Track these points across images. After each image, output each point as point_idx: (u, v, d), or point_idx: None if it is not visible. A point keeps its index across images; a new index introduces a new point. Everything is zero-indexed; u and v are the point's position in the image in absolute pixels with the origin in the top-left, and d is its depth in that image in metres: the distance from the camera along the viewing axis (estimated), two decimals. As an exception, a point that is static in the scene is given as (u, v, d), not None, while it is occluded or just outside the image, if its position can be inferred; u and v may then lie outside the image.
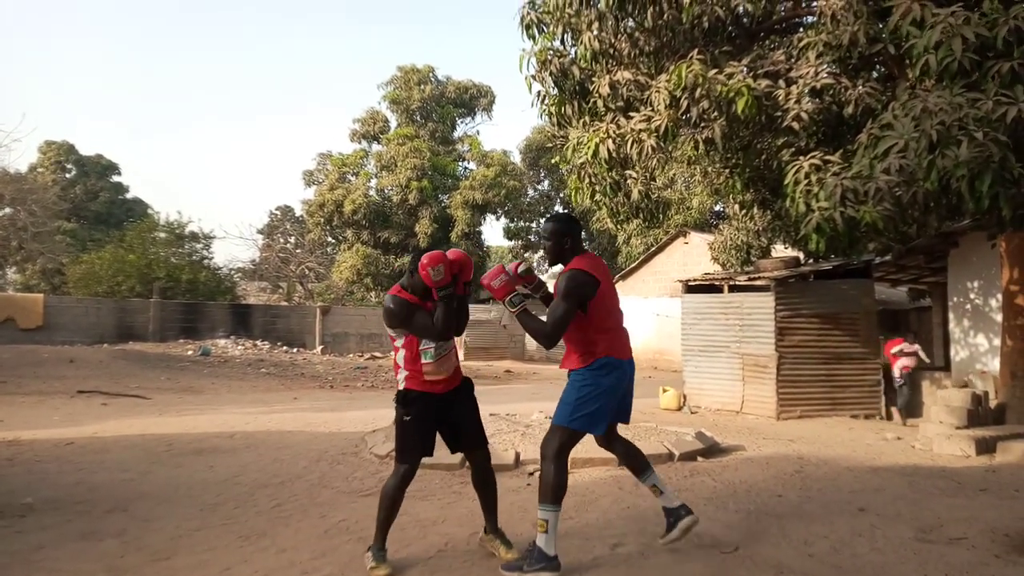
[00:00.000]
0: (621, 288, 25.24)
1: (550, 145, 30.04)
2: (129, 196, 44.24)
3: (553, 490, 3.47)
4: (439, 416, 3.77)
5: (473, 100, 37.18)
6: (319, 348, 26.87)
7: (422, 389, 3.71)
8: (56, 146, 41.06)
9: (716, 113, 7.77)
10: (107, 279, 27.11)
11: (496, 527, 3.86)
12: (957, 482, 5.75)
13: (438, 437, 3.85)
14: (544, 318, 3.64)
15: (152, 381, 15.71)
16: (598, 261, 3.73)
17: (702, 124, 8.18)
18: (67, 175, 41.33)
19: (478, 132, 39.06)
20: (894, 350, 10.63)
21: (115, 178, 43.59)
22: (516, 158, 38.10)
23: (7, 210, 27.33)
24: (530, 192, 38.88)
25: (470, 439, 3.89)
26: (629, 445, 3.93)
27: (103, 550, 3.94)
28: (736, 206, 14.48)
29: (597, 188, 9.35)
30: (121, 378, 15.73)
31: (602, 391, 3.56)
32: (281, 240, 43.20)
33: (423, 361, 3.68)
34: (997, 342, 9.21)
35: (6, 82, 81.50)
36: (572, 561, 3.68)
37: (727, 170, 10.61)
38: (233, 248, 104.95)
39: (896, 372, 10.48)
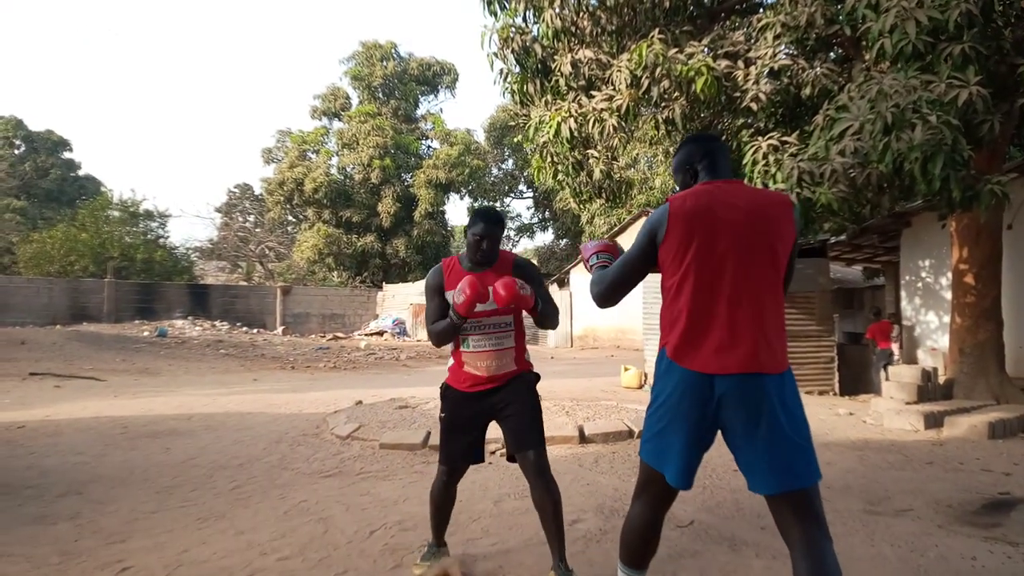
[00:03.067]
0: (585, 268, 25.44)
1: (513, 124, 29.98)
2: (81, 173, 43.07)
3: (621, 538, 2.46)
4: (481, 415, 3.20)
5: (436, 77, 36.89)
6: (280, 329, 26.61)
7: (457, 385, 3.20)
8: (3, 121, 39.73)
9: (676, 93, 7.81)
10: (59, 258, 26.47)
11: (559, 561, 3.03)
12: (905, 456, 5.93)
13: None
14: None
15: (107, 363, 15.40)
16: (710, 194, 2.25)
17: (663, 104, 8.22)
18: (15, 151, 40.06)
19: (441, 110, 39.00)
20: (894, 333, 11.02)
21: (66, 154, 42.36)
22: (480, 137, 37.95)
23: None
24: (494, 171, 38.78)
25: (514, 439, 3.13)
26: (818, 562, 2.04)
27: (56, 534, 3.87)
28: (697, 186, 14.59)
29: (559, 168, 9.36)
30: (75, 360, 15.39)
31: (663, 404, 2.27)
32: (240, 219, 42.49)
33: (461, 348, 3.17)
34: (947, 319, 9.48)
35: (-52, 53, 78.25)
36: (531, 536, 3.72)
37: (688, 150, 10.69)
38: (190, 227, 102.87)
39: (896, 351, 10.98)
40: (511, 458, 3.20)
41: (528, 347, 3.36)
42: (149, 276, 27.60)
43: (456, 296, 2.96)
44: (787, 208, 2.27)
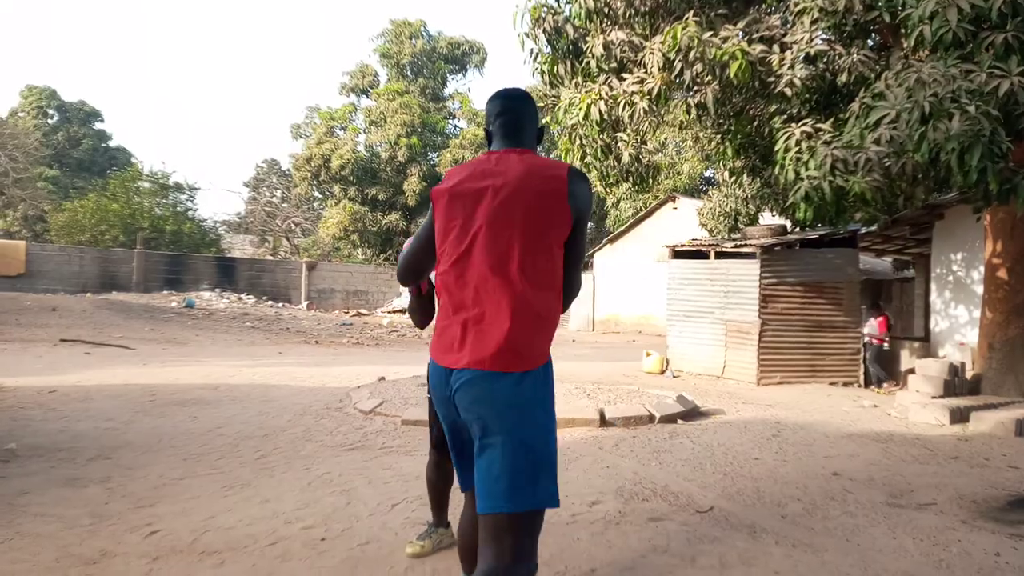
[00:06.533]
0: (609, 252, 25.28)
1: (542, 105, 29.68)
2: (112, 144, 43.57)
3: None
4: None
5: (465, 57, 36.69)
6: (304, 303, 26.86)
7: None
8: (38, 91, 40.26)
9: (709, 77, 7.71)
10: (90, 228, 26.87)
11: None
12: (929, 450, 5.87)
13: None
14: None
15: (136, 331, 15.67)
16: (479, 169, 2.00)
17: (695, 88, 8.12)
18: (49, 121, 40.60)
19: (469, 90, 38.83)
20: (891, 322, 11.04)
21: (98, 125, 42.86)
22: (507, 118, 37.65)
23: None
24: (520, 152, 38.50)
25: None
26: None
27: (87, 496, 3.97)
28: (726, 173, 14.45)
29: (588, 150, 9.29)
30: (104, 328, 15.68)
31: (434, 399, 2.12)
32: (267, 194, 42.77)
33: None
34: (977, 314, 9.32)
35: (-15, 22, 79.24)
36: (550, 516, 3.75)
37: (719, 136, 10.56)
38: (218, 200, 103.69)
39: (886, 343, 10.98)
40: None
41: None
42: (177, 248, 27.95)
43: None
44: (561, 183, 1.91)
